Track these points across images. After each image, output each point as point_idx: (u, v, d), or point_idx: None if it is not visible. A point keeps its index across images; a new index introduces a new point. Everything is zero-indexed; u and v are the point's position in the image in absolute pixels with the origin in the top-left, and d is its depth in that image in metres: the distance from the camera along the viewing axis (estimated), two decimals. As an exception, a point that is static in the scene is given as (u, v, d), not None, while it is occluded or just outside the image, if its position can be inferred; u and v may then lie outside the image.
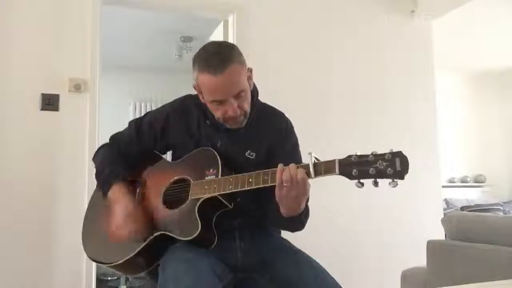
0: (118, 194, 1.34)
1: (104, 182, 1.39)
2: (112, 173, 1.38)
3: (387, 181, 1.02)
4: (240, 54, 1.30)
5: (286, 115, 1.48)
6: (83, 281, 2.52)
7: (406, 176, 1.01)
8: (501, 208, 5.35)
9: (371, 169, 1.03)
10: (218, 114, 1.30)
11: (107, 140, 1.52)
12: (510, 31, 4.72)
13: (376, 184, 1.04)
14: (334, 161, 1.08)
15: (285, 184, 1.11)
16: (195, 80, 1.32)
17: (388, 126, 3.29)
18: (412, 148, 3.04)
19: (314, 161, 1.11)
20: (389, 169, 1.02)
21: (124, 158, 1.44)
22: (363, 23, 3.37)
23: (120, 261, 1.30)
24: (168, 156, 1.49)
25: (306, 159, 1.15)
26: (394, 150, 1.04)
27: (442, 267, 1.87)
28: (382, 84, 3.37)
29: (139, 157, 1.45)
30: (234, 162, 1.32)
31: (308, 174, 1.11)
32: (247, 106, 1.31)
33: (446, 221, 1.95)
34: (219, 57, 1.25)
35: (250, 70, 1.35)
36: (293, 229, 1.33)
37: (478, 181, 6.12)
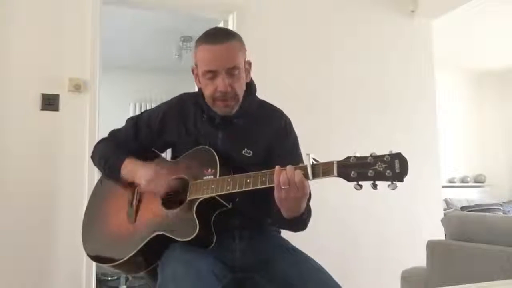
0: (133, 165, 1.36)
1: (112, 165, 1.40)
2: (119, 155, 1.40)
3: (386, 183, 1.01)
4: (241, 39, 1.34)
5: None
6: (83, 281, 2.52)
7: (405, 179, 0.99)
8: (501, 208, 5.35)
9: (370, 171, 1.01)
10: (209, 91, 1.30)
11: (106, 140, 1.52)
12: (510, 31, 4.72)
13: (375, 186, 1.02)
14: (332, 162, 1.06)
15: (283, 187, 1.10)
16: (194, 59, 1.33)
17: (388, 126, 3.29)
18: (412, 148, 3.06)
19: (312, 162, 1.09)
20: (388, 171, 1.00)
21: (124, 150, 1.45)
22: (363, 23, 3.37)
23: (119, 261, 1.30)
24: (168, 153, 1.50)
25: (304, 160, 1.14)
26: (394, 152, 1.02)
27: (442, 267, 1.87)
28: (382, 84, 3.36)
29: (137, 155, 1.44)
30: (231, 159, 1.32)
31: (306, 176, 1.09)
32: (238, 89, 1.31)
33: (446, 221, 1.95)
34: (220, 32, 1.32)
35: (249, 63, 1.36)
36: (295, 229, 1.32)
37: (478, 181, 6.11)
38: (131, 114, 5.75)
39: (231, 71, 1.27)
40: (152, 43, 4.91)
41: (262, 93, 1.46)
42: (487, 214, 3.30)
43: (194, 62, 1.34)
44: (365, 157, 1.04)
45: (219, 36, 1.28)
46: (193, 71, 1.37)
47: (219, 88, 1.27)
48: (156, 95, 5.82)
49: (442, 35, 3.93)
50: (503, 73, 6.21)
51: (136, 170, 1.36)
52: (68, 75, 2.60)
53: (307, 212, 1.25)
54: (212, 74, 1.27)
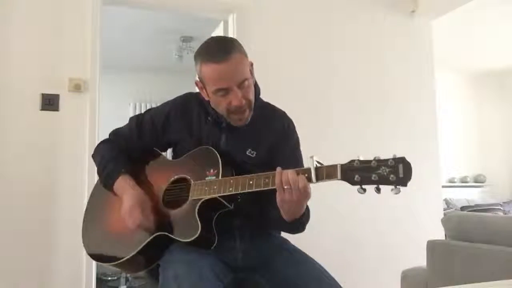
0: (125, 185, 1.34)
1: (107, 177, 1.39)
2: (116, 168, 1.38)
3: (389, 187, 1.01)
4: (241, 46, 1.32)
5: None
6: (83, 281, 2.52)
7: (409, 183, 0.99)
8: (501, 208, 5.35)
9: (374, 175, 1.01)
10: (222, 106, 1.29)
11: (106, 140, 1.51)
12: (509, 31, 4.72)
13: (378, 190, 1.02)
14: (336, 166, 1.06)
15: (285, 187, 1.10)
16: (198, 74, 1.32)
17: (388, 126, 3.29)
18: (412, 148, 3.06)
19: (316, 165, 1.09)
20: (392, 175, 1.00)
21: (125, 154, 1.43)
22: (363, 23, 3.37)
23: (120, 260, 1.29)
24: (168, 153, 1.49)
25: (307, 162, 1.13)
26: (398, 156, 1.01)
27: (442, 267, 1.87)
28: (382, 84, 3.36)
29: (139, 154, 1.44)
30: (234, 160, 1.32)
31: (309, 179, 1.10)
32: (251, 96, 1.31)
33: (446, 221, 1.95)
34: (221, 47, 1.27)
35: (251, 64, 1.35)
36: (294, 232, 1.33)
37: (478, 181, 6.12)
38: (131, 114, 5.73)
39: (242, 84, 1.27)
40: (152, 43, 4.91)
41: (262, 93, 1.46)
42: (487, 214, 3.30)
43: (198, 77, 1.32)
44: (369, 161, 1.03)
45: (221, 51, 1.25)
46: (197, 84, 1.35)
47: (234, 103, 1.27)
48: (156, 95, 5.81)
49: (442, 35, 3.93)
50: (502, 73, 6.21)
51: (122, 193, 1.34)
52: (68, 75, 2.60)
53: (306, 214, 1.26)
54: (224, 91, 1.26)
